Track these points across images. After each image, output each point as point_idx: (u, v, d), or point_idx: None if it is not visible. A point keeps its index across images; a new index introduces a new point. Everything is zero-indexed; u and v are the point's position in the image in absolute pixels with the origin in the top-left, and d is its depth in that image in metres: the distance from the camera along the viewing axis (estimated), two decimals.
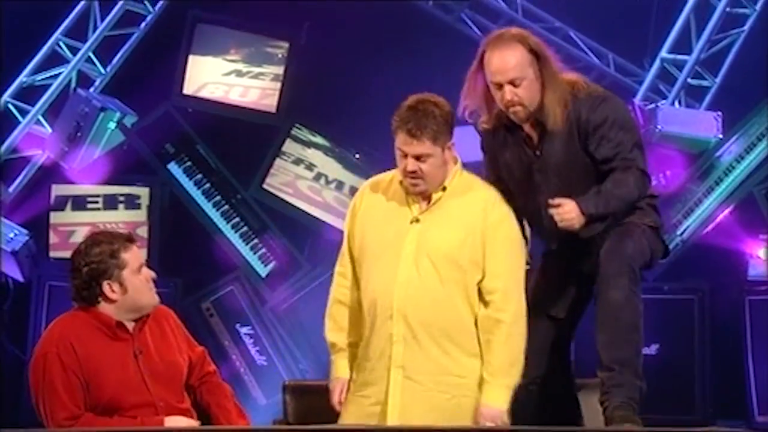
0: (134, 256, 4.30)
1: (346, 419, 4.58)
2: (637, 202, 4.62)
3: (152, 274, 4.35)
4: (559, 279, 4.70)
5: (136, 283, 4.28)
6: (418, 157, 4.47)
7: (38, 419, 4.27)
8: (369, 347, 4.55)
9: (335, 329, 4.67)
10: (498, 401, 4.45)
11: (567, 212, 4.45)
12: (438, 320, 4.48)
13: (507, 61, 4.55)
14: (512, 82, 4.55)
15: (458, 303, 4.49)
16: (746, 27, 8.32)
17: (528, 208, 4.69)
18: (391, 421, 4.50)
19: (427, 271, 4.48)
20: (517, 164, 4.66)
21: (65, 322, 4.29)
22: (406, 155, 4.48)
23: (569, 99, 4.56)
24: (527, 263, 4.68)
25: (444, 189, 4.55)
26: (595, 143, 4.55)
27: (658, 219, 4.73)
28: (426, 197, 4.55)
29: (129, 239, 4.32)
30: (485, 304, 4.49)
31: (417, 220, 4.54)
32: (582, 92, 4.59)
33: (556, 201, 4.48)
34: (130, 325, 4.31)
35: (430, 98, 4.52)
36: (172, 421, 4.23)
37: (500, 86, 4.56)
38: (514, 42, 4.57)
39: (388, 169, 4.71)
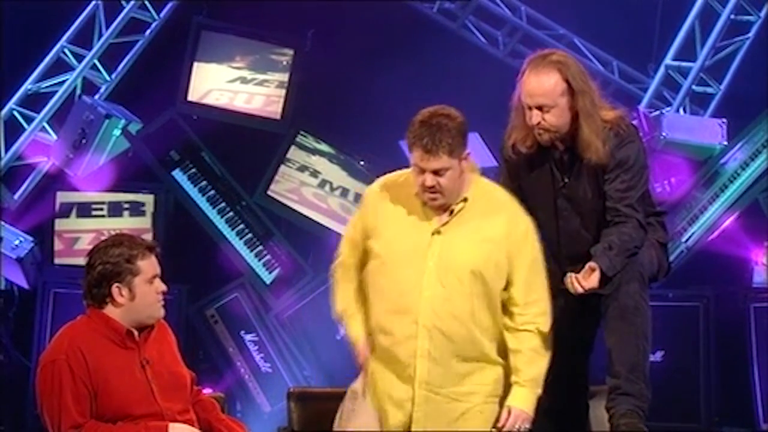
0: (150, 265, 4.31)
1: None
2: (647, 218, 4.64)
3: (164, 287, 4.35)
4: (575, 302, 4.70)
5: (145, 292, 4.29)
6: (436, 172, 4.42)
7: (42, 426, 4.27)
8: (388, 360, 4.52)
9: (346, 299, 4.62)
10: (529, 406, 4.48)
11: (591, 282, 4.43)
12: (464, 336, 4.47)
13: (539, 86, 4.55)
14: (540, 107, 4.54)
15: (483, 316, 4.48)
16: (751, 34, 8.32)
17: (546, 229, 4.68)
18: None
19: (453, 287, 4.45)
20: (543, 185, 4.65)
21: (75, 329, 4.29)
22: (423, 171, 4.43)
23: (607, 134, 4.55)
24: None
25: (465, 200, 4.50)
26: (610, 179, 4.56)
27: (666, 236, 4.76)
28: (446, 208, 4.50)
29: (149, 248, 4.33)
30: (513, 314, 4.50)
31: (438, 232, 4.49)
32: (613, 130, 4.58)
33: (581, 274, 4.44)
34: (136, 334, 4.32)
35: (442, 111, 4.46)
36: (177, 429, 4.23)
37: (530, 108, 4.56)
38: (552, 68, 4.55)
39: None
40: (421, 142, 4.40)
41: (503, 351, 4.52)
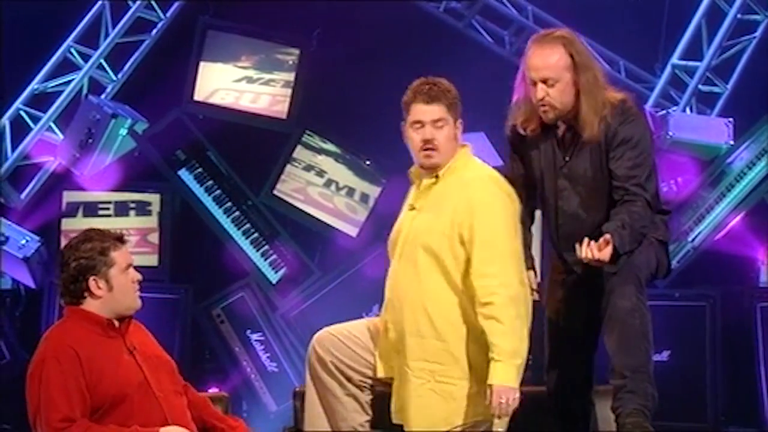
0: (123, 255, 4.35)
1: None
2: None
3: (138, 276, 4.39)
4: (575, 293, 4.69)
5: (121, 282, 4.32)
6: (436, 122, 4.57)
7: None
8: (382, 334, 4.67)
9: None
10: (509, 379, 4.44)
11: (604, 254, 4.40)
12: (414, 310, 4.55)
13: (544, 60, 4.58)
14: (545, 81, 4.56)
15: (437, 291, 4.53)
16: (757, 33, 8.30)
17: (548, 210, 4.68)
18: (393, 405, 4.61)
19: (407, 260, 4.58)
20: (545, 166, 4.66)
21: (60, 329, 4.33)
22: (422, 125, 4.58)
23: (607, 113, 4.55)
24: (535, 291, 4.69)
25: (437, 177, 4.62)
26: (616, 157, 4.55)
27: (668, 234, 4.74)
28: (419, 183, 4.64)
29: (120, 239, 4.37)
30: (474, 289, 4.50)
31: (413, 208, 4.65)
32: (617, 108, 4.59)
33: (598, 243, 4.41)
34: (116, 324, 4.35)
35: (441, 79, 4.66)
36: (168, 431, 4.23)
37: (534, 83, 4.58)
38: (557, 43, 4.60)
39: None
40: (422, 95, 4.58)
41: (469, 329, 4.53)
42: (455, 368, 4.52)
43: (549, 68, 4.56)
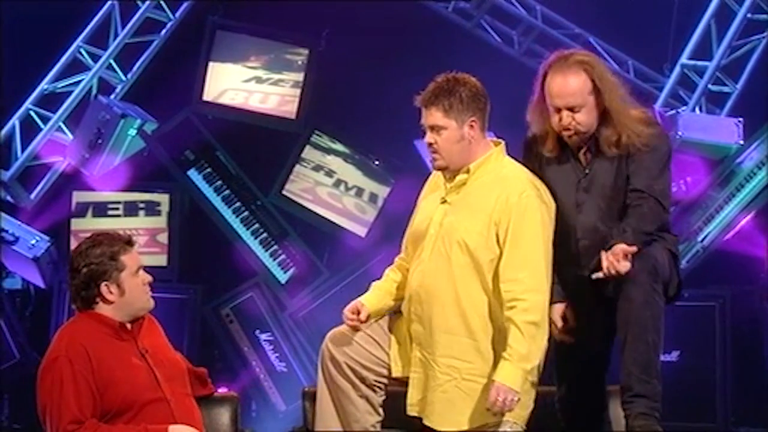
0: (133, 259, 4.36)
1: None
2: (662, 233, 4.62)
3: (149, 277, 4.41)
4: (589, 307, 4.66)
5: (133, 286, 4.33)
6: (432, 128, 4.55)
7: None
8: (400, 325, 4.65)
9: (379, 281, 4.78)
10: (512, 380, 4.43)
11: (623, 265, 4.40)
12: (444, 305, 4.53)
13: (567, 87, 4.54)
14: (571, 108, 4.53)
15: (470, 288, 4.51)
16: (767, 33, 8.29)
17: (567, 226, 4.65)
18: (410, 398, 4.60)
19: (439, 255, 4.54)
20: (563, 179, 4.63)
21: (73, 328, 4.34)
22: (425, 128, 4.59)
23: (629, 133, 4.55)
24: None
25: (468, 171, 4.57)
26: (633, 166, 4.55)
27: (678, 252, 4.74)
28: (451, 178, 4.59)
29: (128, 242, 4.38)
30: (501, 291, 4.49)
31: (445, 201, 4.61)
32: (638, 121, 4.58)
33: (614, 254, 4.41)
34: (128, 326, 4.37)
35: (457, 76, 4.60)
36: (177, 430, 4.25)
37: (558, 110, 4.56)
38: (578, 68, 4.56)
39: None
40: (422, 95, 4.57)
41: (498, 328, 4.52)
42: (483, 366, 4.52)
43: (573, 94, 4.53)
